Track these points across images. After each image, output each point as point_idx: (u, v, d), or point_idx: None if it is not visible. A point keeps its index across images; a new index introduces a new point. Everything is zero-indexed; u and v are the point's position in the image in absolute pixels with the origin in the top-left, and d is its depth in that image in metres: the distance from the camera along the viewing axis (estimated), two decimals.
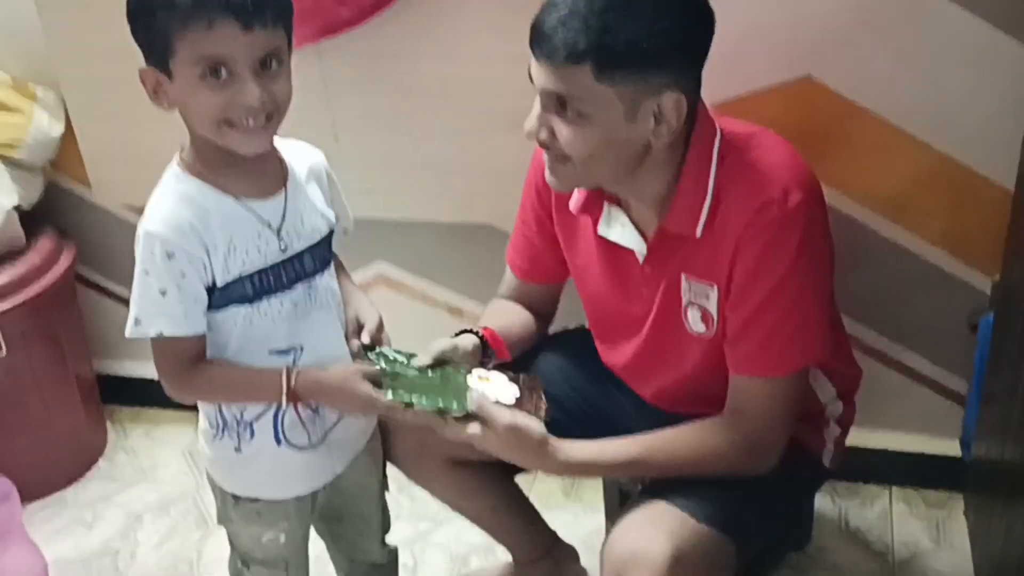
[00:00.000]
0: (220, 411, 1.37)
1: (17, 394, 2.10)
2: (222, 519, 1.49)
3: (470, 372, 1.38)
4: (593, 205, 1.44)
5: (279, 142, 1.34)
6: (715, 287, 1.37)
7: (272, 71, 1.20)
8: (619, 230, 1.43)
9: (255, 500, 1.42)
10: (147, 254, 1.24)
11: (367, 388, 1.31)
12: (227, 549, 1.55)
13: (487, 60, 1.75)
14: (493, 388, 1.35)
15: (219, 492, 1.46)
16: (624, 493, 1.84)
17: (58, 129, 2.09)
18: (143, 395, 2.43)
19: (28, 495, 2.03)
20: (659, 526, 1.31)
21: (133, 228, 2.18)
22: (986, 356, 1.78)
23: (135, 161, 2.09)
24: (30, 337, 2.07)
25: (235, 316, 1.30)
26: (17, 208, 2.06)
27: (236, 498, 1.43)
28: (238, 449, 1.38)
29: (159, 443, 2.35)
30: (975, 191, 1.71)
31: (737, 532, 1.35)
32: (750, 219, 1.30)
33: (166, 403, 2.38)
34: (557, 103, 1.26)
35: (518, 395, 1.35)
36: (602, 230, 1.44)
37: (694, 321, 1.42)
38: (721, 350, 1.41)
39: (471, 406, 1.30)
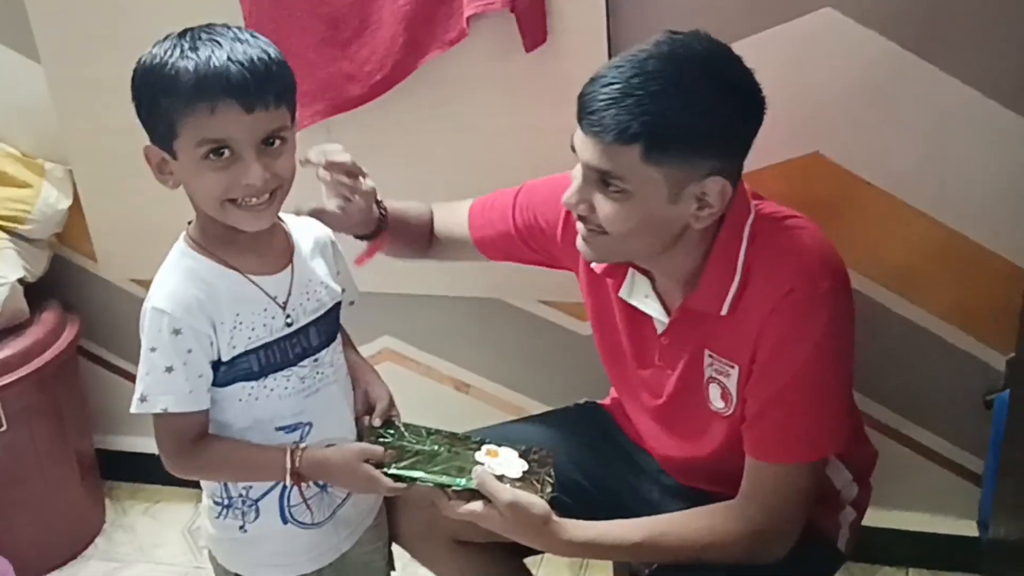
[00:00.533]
0: (225, 489, 1.36)
1: (16, 470, 2.07)
2: None
3: (480, 447, 1.35)
4: (617, 269, 1.42)
5: (287, 218, 1.35)
6: (736, 367, 1.35)
7: (275, 148, 1.21)
8: (641, 298, 1.42)
9: None
10: (154, 331, 1.24)
11: (368, 468, 1.29)
12: None
13: (495, 135, 1.76)
14: (500, 463, 1.33)
15: (221, 572, 1.44)
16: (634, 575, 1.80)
17: (65, 203, 2.10)
18: (143, 471, 2.40)
19: (24, 574, 1.98)
20: None
21: (138, 302, 2.17)
22: (1002, 435, 1.76)
23: (141, 236, 2.10)
24: (32, 412, 2.05)
25: (241, 393, 1.29)
26: (22, 281, 2.06)
27: None
28: (243, 528, 1.36)
29: (159, 521, 2.31)
30: (985, 267, 1.70)
31: None
32: (777, 302, 1.28)
33: (166, 480, 2.36)
34: (600, 179, 1.25)
35: (526, 469, 1.33)
36: (623, 294, 1.43)
37: (714, 397, 1.40)
38: (740, 429, 1.38)
39: (473, 482, 1.28)
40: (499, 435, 1.43)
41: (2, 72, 2.05)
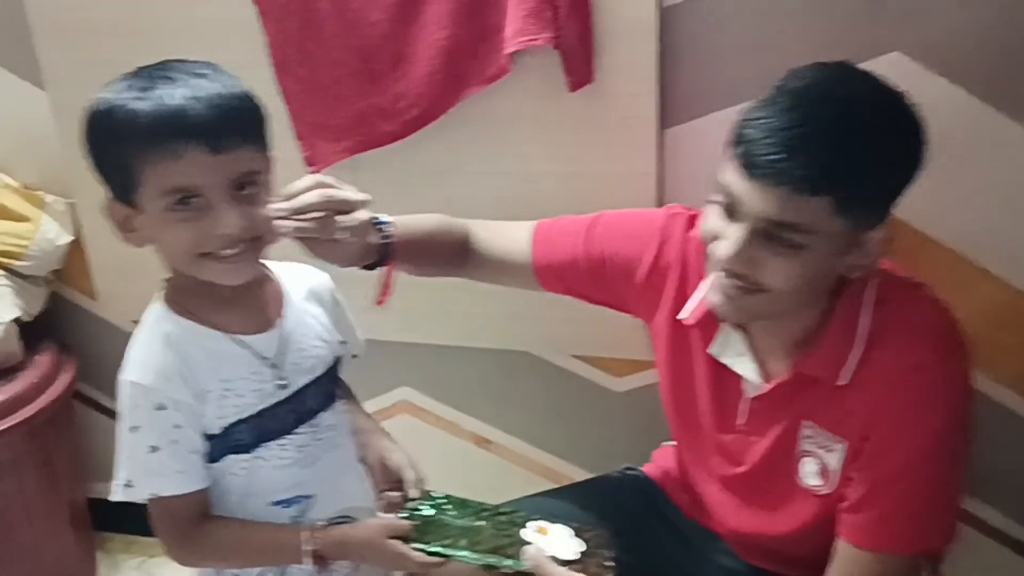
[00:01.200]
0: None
1: (4, 523, 1.96)
2: None
3: (526, 523, 1.24)
4: (711, 322, 1.31)
5: (276, 266, 1.24)
6: (844, 443, 1.24)
7: (249, 194, 1.10)
8: (734, 357, 1.30)
9: None
10: (134, 408, 1.14)
11: (396, 545, 1.18)
12: None
13: (535, 179, 1.66)
14: (552, 542, 1.22)
15: None
16: None
17: (65, 238, 2.01)
18: (138, 522, 2.22)
19: None
20: None
21: None
22: None
23: (145, 274, 1.96)
24: (21, 462, 1.94)
25: (233, 467, 1.19)
26: (17, 321, 1.95)
27: None
28: None
29: None
30: None
31: None
32: (903, 377, 1.18)
33: None
34: (772, 231, 1.12)
35: (583, 550, 1.21)
36: (714, 351, 1.32)
37: (808, 474, 1.29)
38: (830, 510, 1.27)
39: (525, 564, 1.17)
40: (539, 509, 1.32)
41: (5, 99, 1.96)
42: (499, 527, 1.23)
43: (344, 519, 1.26)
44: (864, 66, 1.49)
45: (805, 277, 1.15)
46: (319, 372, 1.24)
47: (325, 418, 1.25)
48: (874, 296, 1.22)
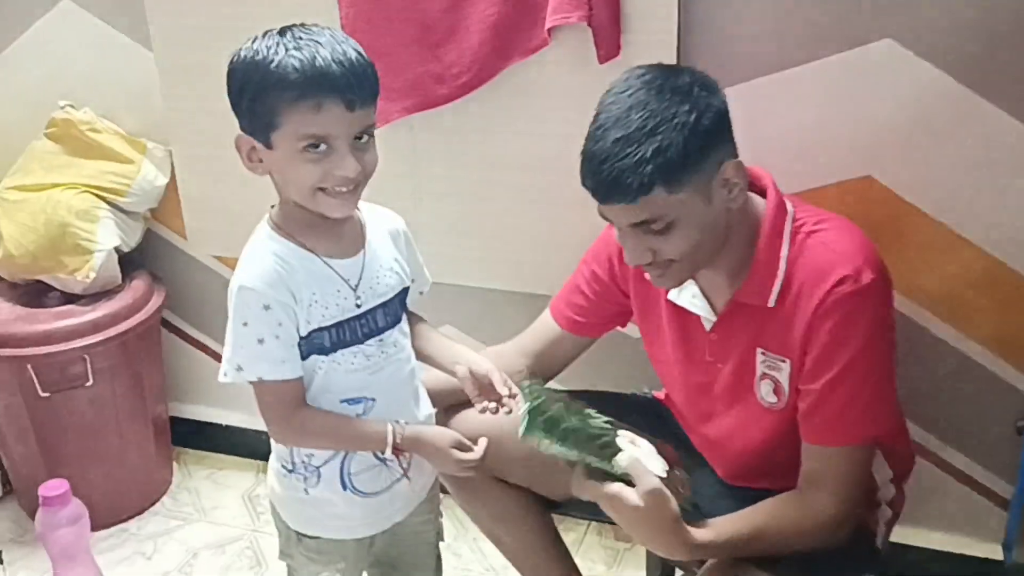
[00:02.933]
0: (292, 453, 1.45)
1: (97, 425, 2.23)
2: (283, 554, 1.56)
3: (617, 431, 1.36)
4: None
5: (362, 205, 1.43)
6: (788, 361, 1.45)
7: (364, 143, 1.31)
8: (688, 298, 1.52)
9: (316, 538, 1.49)
10: (244, 308, 1.33)
11: (456, 455, 1.41)
12: None
13: (567, 141, 1.86)
14: (643, 455, 1.34)
15: (283, 528, 1.53)
16: (666, 570, 1.89)
17: (162, 181, 2.25)
18: (210, 440, 2.55)
19: (95, 523, 2.11)
20: None
21: (220, 278, 2.37)
22: None
23: (228, 216, 2.25)
24: (115, 371, 2.20)
25: (314, 366, 1.38)
26: (117, 250, 2.22)
27: (300, 535, 1.50)
28: (305, 491, 1.46)
29: (221, 486, 2.45)
30: None
31: None
32: (825, 295, 1.38)
33: (230, 450, 2.55)
34: (643, 227, 1.36)
35: (667, 469, 1.35)
36: (672, 296, 1.53)
37: (766, 393, 1.50)
38: (789, 422, 1.48)
39: (619, 467, 1.29)
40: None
41: (117, 58, 2.22)
42: (595, 429, 1.32)
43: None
44: (856, 52, 1.71)
45: (695, 237, 1.37)
46: (389, 297, 1.42)
47: (390, 336, 1.42)
48: (791, 228, 1.43)
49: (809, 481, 1.44)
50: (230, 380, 1.35)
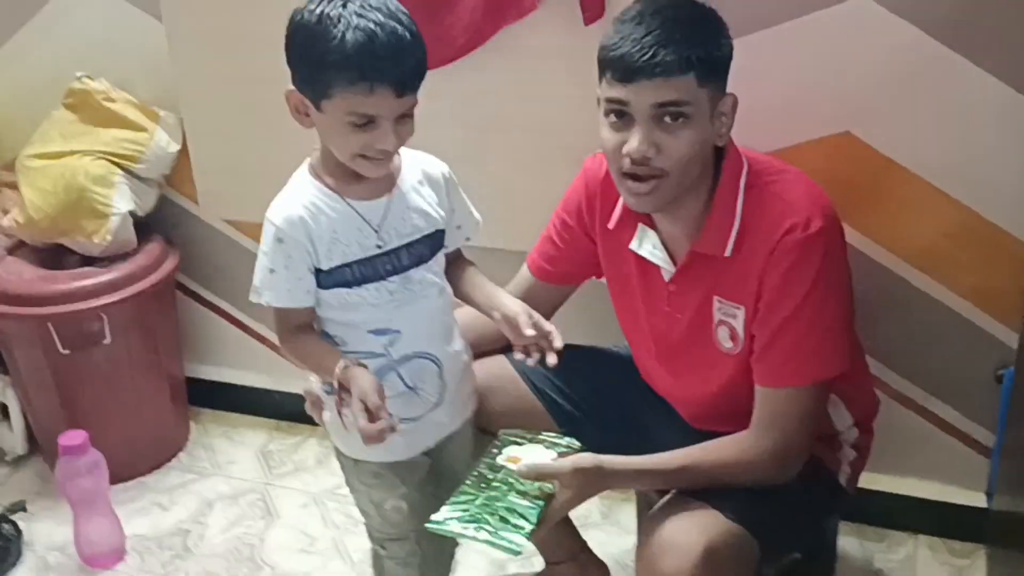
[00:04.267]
0: None
1: (114, 380, 2.33)
2: (349, 486, 1.64)
3: (499, 452, 1.47)
4: (628, 224, 1.60)
5: (404, 151, 1.50)
6: (742, 308, 1.52)
7: (406, 120, 1.39)
8: (649, 248, 1.59)
9: (367, 463, 1.56)
10: (265, 237, 1.45)
11: (355, 405, 1.37)
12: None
13: (558, 101, 1.95)
14: (531, 457, 1.46)
15: (340, 456, 1.62)
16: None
17: (175, 147, 2.34)
18: (226, 400, 2.64)
19: (114, 477, 2.21)
20: (693, 520, 1.44)
21: (232, 242, 2.46)
22: (1008, 408, 1.87)
23: (239, 181, 2.33)
24: (131, 329, 2.30)
25: (338, 297, 1.46)
26: (132, 214, 2.31)
27: (355, 462, 1.58)
28: (340, 412, 1.52)
29: (236, 443, 2.55)
30: (1002, 248, 1.82)
31: (761, 532, 1.47)
32: (776, 242, 1.45)
33: (245, 409, 2.63)
34: (661, 115, 1.42)
35: (554, 455, 1.46)
36: (634, 245, 1.60)
37: (723, 339, 1.56)
38: (746, 367, 1.54)
39: (533, 485, 1.39)
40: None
41: (128, 29, 2.31)
42: (489, 486, 1.41)
43: (424, 356, 1.51)
44: (833, 10, 1.76)
45: (696, 146, 1.44)
46: (415, 238, 1.48)
47: (415, 273, 1.48)
48: (746, 181, 1.50)
49: (756, 421, 1.51)
50: (253, 300, 1.47)
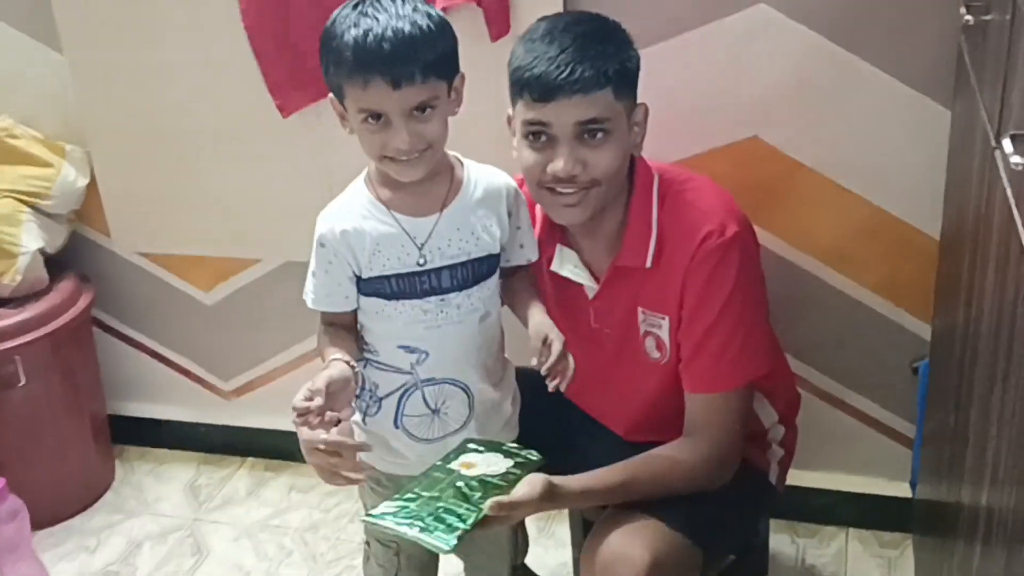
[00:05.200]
0: (362, 381, 1.51)
1: (33, 424, 2.26)
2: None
3: (456, 457, 1.44)
4: (546, 245, 1.60)
5: (472, 166, 1.50)
6: (667, 317, 1.53)
7: (424, 115, 1.36)
8: (571, 268, 1.59)
9: (373, 468, 1.55)
10: (314, 240, 1.47)
11: (297, 397, 1.35)
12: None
13: (468, 118, 1.92)
14: (481, 467, 1.42)
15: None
16: (588, 526, 1.96)
17: (83, 182, 2.29)
18: (151, 436, 2.59)
19: (37, 523, 2.14)
20: (637, 532, 1.43)
21: (148, 275, 2.42)
22: (925, 399, 1.90)
23: (151, 214, 2.30)
24: (48, 370, 2.24)
25: (377, 306, 1.48)
26: (42, 252, 2.26)
27: (361, 461, 1.55)
28: (364, 420, 1.55)
29: (163, 480, 2.50)
30: (909, 242, 1.86)
31: (704, 539, 1.48)
32: (694, 250, 1.47)
33: (172, 444, 2.59)
34: (582, 132, 1.43)
35: (510, 465, 1.42)
36: (555, 267, 1.60)
37: (651, 349, 1.57)
38: (675, 375, 1.55)
39: (484, 512, 1.32)
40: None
41: (28, 63, 2.25)
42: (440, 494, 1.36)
43: (452, 383, 1.50)
44: (732, 18, 1.79)
45: (619, 159, 1.46)
46: (460, 260, 1.45)
47: (455, 297, 1.46)
48: (658, 191, 1.52)
49: (688, 428, 1.52)
50: (305, 297, 1.51)
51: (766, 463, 1.68)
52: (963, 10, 1.49)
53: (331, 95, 1.41)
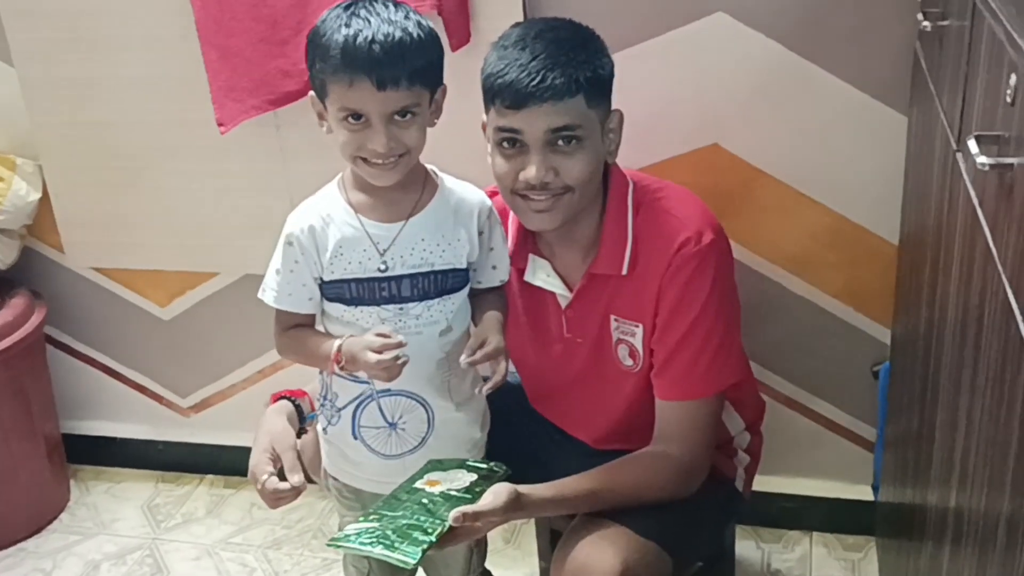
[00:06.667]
0: (325, 388, 1.51)
1: None
2: (326, 488, 1.62)
3: (420, 476, 1.42)
4: (519, 256, 1.59)
5: (449, 180, 1.49)
6: (640, 325, 1.52)
7: (405, 120, 1.36)
8: (543, 277, 1.58)
9: (336, 479, 1.56)
10: (281, 237, 1.45)
11: (369, 357, 1.35)
12: None
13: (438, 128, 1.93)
14: (446, 482, 1.40)
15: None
16: (556, 536, 1.95)
17: (35, 196, 2.24)
18: (107, 455, 2.55)
19: None
20: (607, 541, 1.41)
21: (102, 291, 2.38)
22: (886, 403, 1.92)
23: (105, 228, 2.26)
24: (0, 389, 2.19)
25: (338, 311, 1.46)
26: None
27: (327, 472, 1.57)
28: (326, 429, 1.54)
29: (120, 499, 2.45)
30: (868, 248, 1.88)
31: (673, 547, 1.47)
32: (671, 257, 1.47)
33: (128, 462, 2.55)
34: (554, 140, 1.42)
35: (473, 479, 1.40)
36: (528, 277, 1.59)
37: (623, 357, 1.57)
38: (647, 383, 1.55)
39: (448, 524, 1.30)
40: None
41: None
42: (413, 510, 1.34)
43: (409, 396, 1.47)
44: (691, 27, 1.80)
45: (592, 165, 1.45)
46: (421, 271, 1.43)
47: (414, 308, 1.44)
48: (633, 200, 1.52)
49: (659, 436, 1.52)
50: (259, 296, 1.48)
51: (733, 470, 1.68)
52: (920, 16, 1.51)
53: (311, 93, 1.41)
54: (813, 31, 1.76)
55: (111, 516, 2.39)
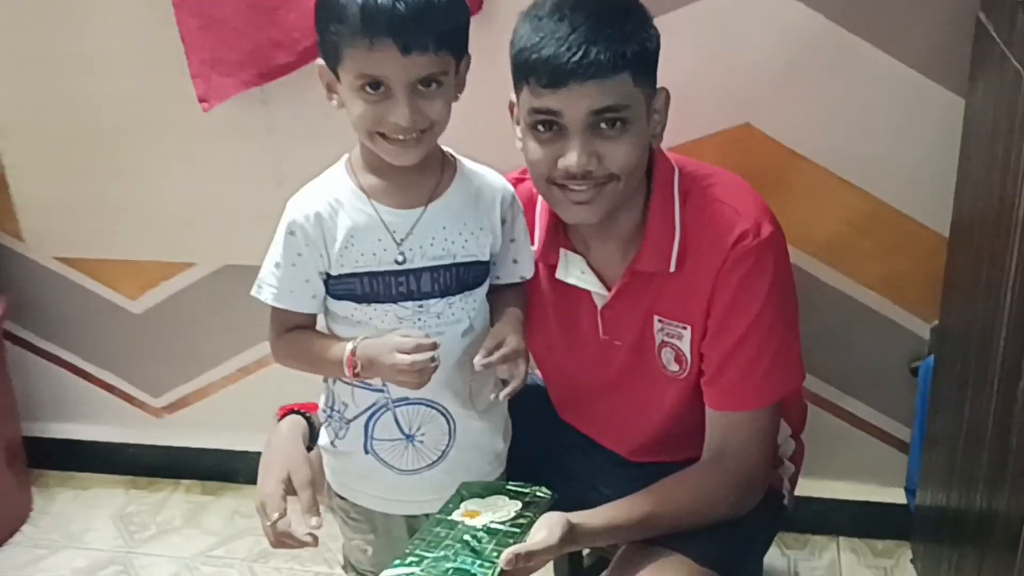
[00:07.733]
0: (331, 399, 1.38)
1: None
2: (329, 509, 1.47)
3: (456, 507, 1.28)
4: (550, 253, 1.43)
5: (471, 165, 1.36)
6: (689, 327, 1.37)
7: (430, 91, 1.22)
8: (577, 274, 1.42)
9: (343, 498, 1.43)
10: (280, 227, 1.30)
11: (399, 358, 1.23)
12: None
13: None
14: (488, 513, 1.27)
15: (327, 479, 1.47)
16: (576, 566, 1.80)
17: None
18: (73, 459, 2.40)
19: None
20: (665, 572, 1.29)
21: (67, 282, 2.20)
22: (927, 401, 1.81)
23: (69, 215, 2.10)
24: None
25: (347, 310, 1.31)
26: None
27: (332, 490, 1.44)
28: (333, 443, 1.40)
29: (88, 508, 2.29)
30: (911, 237, 1.76)
31: (728, 569, 1.34)
32: (727, 252, 1.31)
33: (96, 467, 2.38)
34: (597, 122, 1.26)
35: (518, 508, 1.28)
36: (560, 274, 1.43)
37: (668, 361, 1.42)
38: (694, 390, 1.40)
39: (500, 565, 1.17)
40: None
41: None
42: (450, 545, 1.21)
43: (429, 404, 1.34)
44: None
45: (639, 149, 1.29)
46: (442, 263, 1.30)
47: (435, 305, 1.31)
48: (679, 188, 1.36)
49: (715, 450, 1.37)
50: (253, 295, 1.33)
51: (779, 481, 1.54)
52: None
53: (320, 62, 1.25)
54: (859, 0, 1.62)
55: (79, 527, 2.23)
